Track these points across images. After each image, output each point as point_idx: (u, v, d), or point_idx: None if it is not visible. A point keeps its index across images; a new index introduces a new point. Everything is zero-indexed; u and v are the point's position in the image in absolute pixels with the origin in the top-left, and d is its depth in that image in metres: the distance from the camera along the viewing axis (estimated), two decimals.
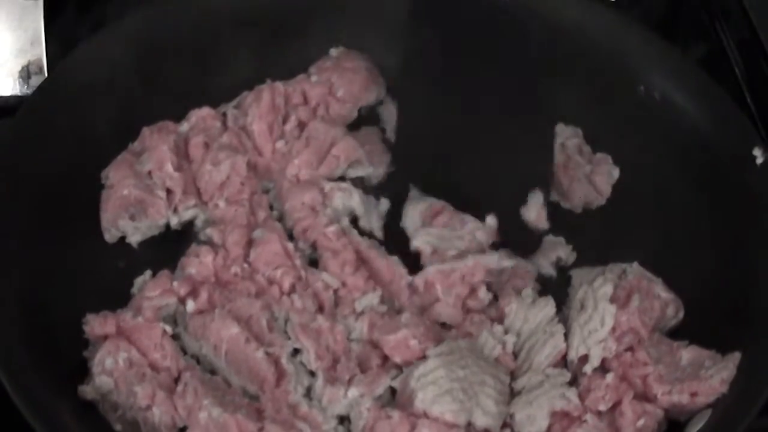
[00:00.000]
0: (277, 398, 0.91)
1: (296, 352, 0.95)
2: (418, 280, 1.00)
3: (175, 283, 0.96)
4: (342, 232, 1.03)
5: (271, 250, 1.00)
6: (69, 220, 0.99)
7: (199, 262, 0.99)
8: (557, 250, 1.06)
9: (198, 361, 0.94)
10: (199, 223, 1.04)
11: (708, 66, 1.13)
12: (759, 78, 1.19)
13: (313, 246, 1.03)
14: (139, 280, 0.99)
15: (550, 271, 1.05)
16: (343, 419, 0.92)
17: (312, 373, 0.94)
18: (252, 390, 0.92)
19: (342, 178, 1.08)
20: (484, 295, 1.01)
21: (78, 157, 1.01)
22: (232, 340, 0.93)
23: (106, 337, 0.92)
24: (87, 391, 0.89)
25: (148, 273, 0.99)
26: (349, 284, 1.01)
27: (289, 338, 0.95)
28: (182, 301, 0.96)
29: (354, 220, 1.06)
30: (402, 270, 1.02)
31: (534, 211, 1.08)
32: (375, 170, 1.10)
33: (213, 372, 0.94)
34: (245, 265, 1.00)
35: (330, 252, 1.02)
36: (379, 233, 1.06)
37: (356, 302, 0.99)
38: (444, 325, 0.99)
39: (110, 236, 1.01)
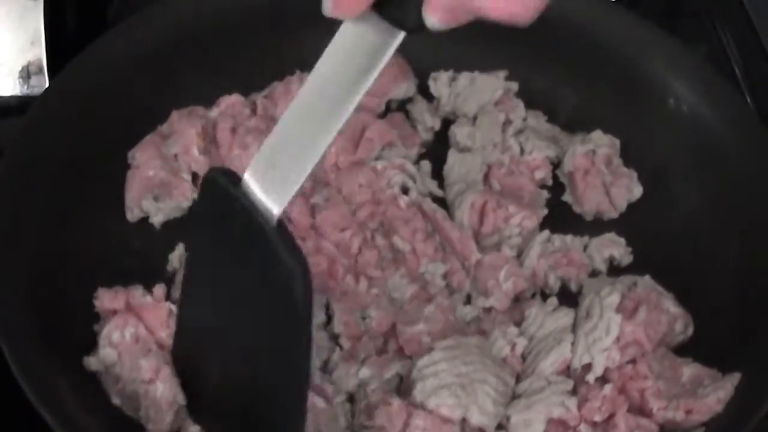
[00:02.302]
0: None
1: (328, 321, 0.97)
2: (488, 258, 1.02)
3: None
4: (411, 202, 1.05)
5: (338, 212, 1.03)
6: (90, 198, 1.01)
7: None
8: (612, 249, 1.06)
9: None
10: None
11: None
12: (759, 78, 1.17)
13: (381, 225, 1.05)
14: (173, 255, 1.01)
15: (601, 267, 1.05)
16: (352, 397, 0.93)
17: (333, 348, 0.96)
18: None
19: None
20: (553, 282, 1.03)
21: (105, 136, 1.03)
22: None
23: (115, 312, 0.94)
24: (91, 362, 0.92)
25: (180, 247, 1.01)
26: (418, 251, 1.02)
27: None
28: None
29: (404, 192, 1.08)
30: (473, 245, 1.03)
31: None
32: (408, 152, 1.11)
33: None
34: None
35: (401, 220, 1.04)
36: (438, 192, 1.09)
37: (422, 266, 1.01)
38: (468, 325, 1.00)
39: (132, 216, 1.04)
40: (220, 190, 0.81)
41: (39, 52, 1.12)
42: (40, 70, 1.12)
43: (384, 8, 0.72)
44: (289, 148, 0.77)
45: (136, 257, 1.01)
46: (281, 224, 0.78)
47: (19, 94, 1.12)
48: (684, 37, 1.14)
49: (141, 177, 1.04)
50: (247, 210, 0.78)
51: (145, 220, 1.04)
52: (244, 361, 0.85)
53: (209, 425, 0.90)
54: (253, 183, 0.78)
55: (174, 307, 0.94)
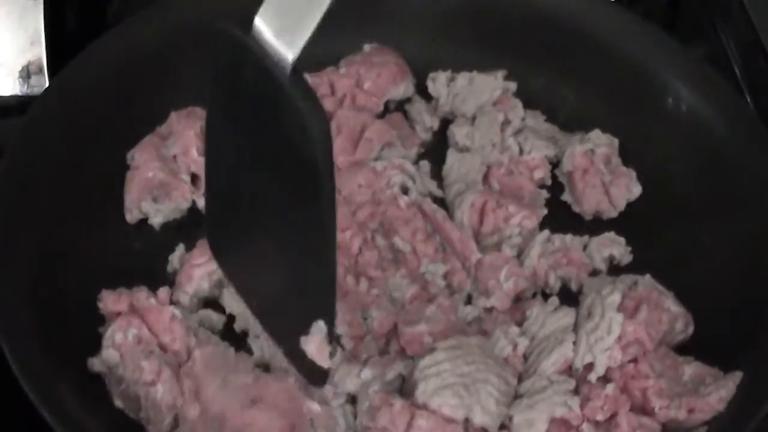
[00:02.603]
0: None
1: None
2: (489, 258, 1.02)
3: None
4: (411, 202, 1.05)
5: (338, 213, 1.02)
6: (90, 199, 1.01)
7: None
8: (612, 248, 1.06)
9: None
10: None
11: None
12: (759, 78, 1.18)
13: (381, 225, 1.05)
14: (174, 256, 1.01)
15: (601, 266, 1.05)
16: (354, 399, 0.93)
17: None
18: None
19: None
20: (554, 281, 1.03)
21: (105, 136, 1.03)
22: None
23: (119, 314, 0.94)
24: (95, 363, 0.92)
25: (181, 247, 1.01)
26: (419, 251, 1.03)
27: None
28: None
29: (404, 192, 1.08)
30: (473, 245, 1.03)
31: None
32: (407, 152, 1.11)
33: (245, 332, 0.96)
34: None
35: (401, 221, 1.04)
36: (438, 192, 1.09)
37: (422, 266, 1.01)
38: (469, 325, 1.00)
39: (131, 217, 1.03)
40: (233, 40, 0.77)
41: (39, 52, 1.12)
42: (40, 70, 1.12)
43: None
44: None
45: (136, 258, 1.01)
46: (296, 72, 0.75)
47: (19, 94, 1.12)
48: (684, 37, 1.15)
49: (140, 178, 1.04)
50: (259, 58, 0.75)
51: (144, 221, 1.04)
52: (270, 224, 0.83)
53: (247, 296, 0.90)
54: (264, 28, 0.75)
55: (177, 311, 0.94)
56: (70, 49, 1.07)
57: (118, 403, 0.91)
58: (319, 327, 0.83)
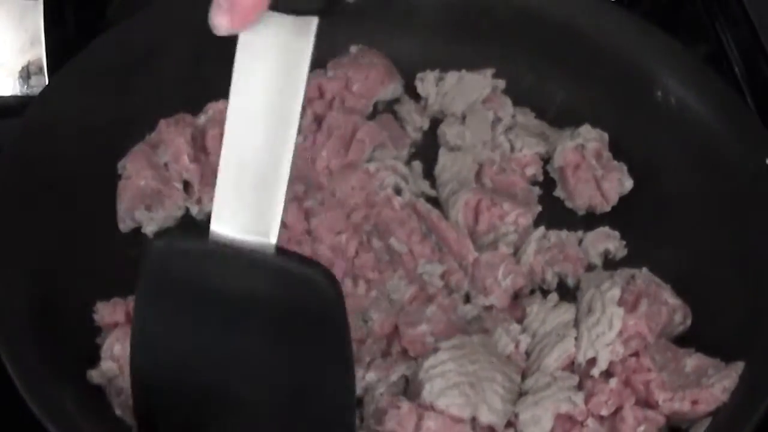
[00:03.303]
0: None
1: None
2: (485, 257, 1.02)
3: None
4: (406, 203, 1.05)
5: (332, 216, 1.03)
6: (84, 209, 0.99)
7: None
8: (607, 242, 1.06)
9: None
10: None
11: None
12: (759, 78, 1.18)
13: (376, 227, 1.05)
14: None
15: (596, 261, 1.05)
16: (360, 402, 0.93)
17: None
18: None
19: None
20: (551, 278, 1.03)
21: (94, 147, 1.02)
22: None
23: (116, 325, 0.93)
24: (93, 375, 0.91)
25: None
26: (415, 252, 1.03)
27: None
28: None
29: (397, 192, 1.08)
30: (469, 244, 1.03)
31: None
32: (398, 153, 1.11)
33: None
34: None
35: (397, 222, 1.03)
36: (431, 191, 1.09)
37: (419, 267, 1.01)
38: (470, 323, 0.99)
39: (125, 226, 1.02)
40: (184, 257, 0.76)
41: (39, 52, 1.11)
42: (40, 70, 1.11)
43: (281, 2, 0.66)
44: (250, 179, 0.72)
45: (131, 267, 1.00)
46: (280, 250, 0.74)
47: (19, 94, 1.11)
48: (684, 37, 1.15)
49: (132, 187, 1.03)
50: (231, 258, 0.73)
51: (138, 230, 1.03)
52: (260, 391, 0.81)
53: None
54: (228, 230, 0.73)
55: None
56: (69, 49, 1.06)
57: (119, 412, 0.90)
58: None
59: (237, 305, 0.77)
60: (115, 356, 0.91)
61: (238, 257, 0.73)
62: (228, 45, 1.07)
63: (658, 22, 1.13)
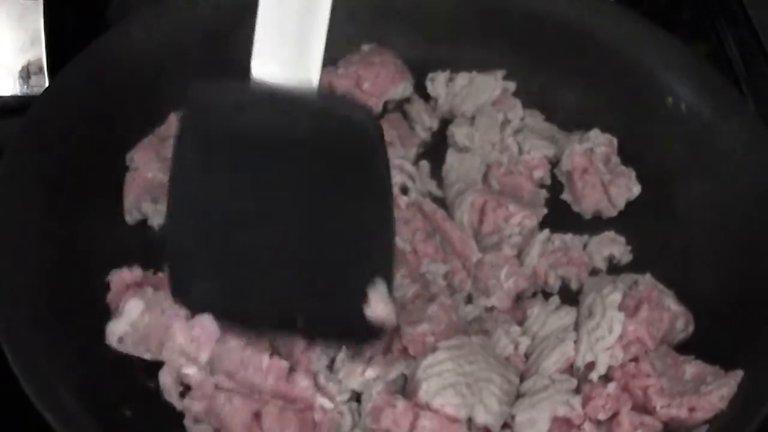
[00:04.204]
0: (300, 361, 0.93)
1: None
2: (489, 258, 1.02)
3: None
4: (411, 202, 1.05)
5: None
6: (90, 200, 1.00)
7: None
8: (612, 247, 1.06)
9: None
10: None
11: None
12: (759, 78, 1.18)
13: None
14: None
15: (601, 266, 1.05)
16: (357, 396, 0.93)
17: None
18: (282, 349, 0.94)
19: None
20: (554, 281, 1.03)
21: (105, 136, 1.02)
22: None
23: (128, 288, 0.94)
24: (115, 327, 0.92)
25: None
26: (419, 251, 1.03)
27: None
28: None
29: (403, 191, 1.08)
30: (473, 244, 1.03)
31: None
32: (406, 152, 1.11)
33: None
34: None
35: (401, 221, 1.04)
36: (437, 191, 1.09)
37: (422, 266, 1.02)
38: (470, 324, 1.00)
39: (131, 218, 1.03)
40: (224, 99, 0.75)
41: (39, 52, 1.12)
42: (40, 70, 1.12)
43: None
44: (291, 12, 0.71)
45: (136, 258, 1.01)
46: (321, 91, 0.73)
47: (19, 94, 1.12)
48: (684, 37, 1.15)
49: (139, 179, 1.03)
50: (272, 100, 0.72)
51: (144, 222, 1.04)
52: (302, 223, 0.80)
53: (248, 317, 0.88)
54: (271, 70, 0.72)
55: None
56: (69, 49, 1.07)
57: (147, 355, 0.92)
58: (378, 289, 0.83)
59: (278, 150, 0.76)
60: (132, 305, 0.92)
61: (279, 98, 0.73)
62: (232, 42, 1.10)
63: (658, 21, 1.13)
